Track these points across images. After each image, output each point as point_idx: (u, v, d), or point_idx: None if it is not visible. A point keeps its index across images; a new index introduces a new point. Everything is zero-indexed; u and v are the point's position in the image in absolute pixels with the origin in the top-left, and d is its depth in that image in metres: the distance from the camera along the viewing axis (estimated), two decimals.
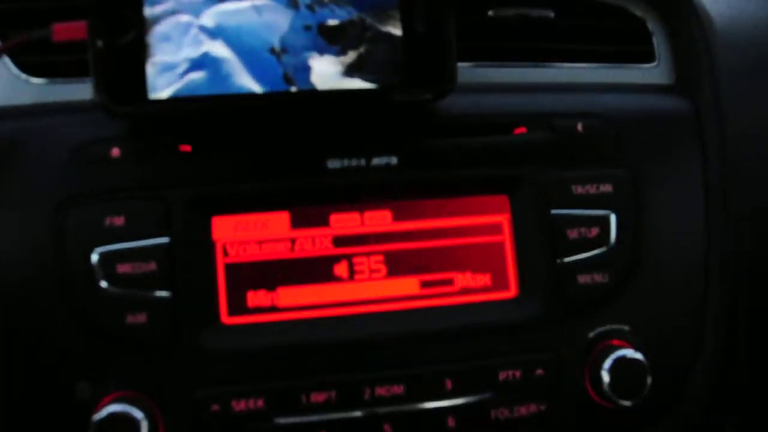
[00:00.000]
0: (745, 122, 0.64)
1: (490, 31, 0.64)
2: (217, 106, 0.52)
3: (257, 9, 0.52)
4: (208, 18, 0.51)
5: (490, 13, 0.64)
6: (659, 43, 0.68)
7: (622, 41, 0.67)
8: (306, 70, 0.52)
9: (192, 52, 0.51)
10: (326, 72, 0.52)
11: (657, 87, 0.66)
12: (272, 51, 0.52)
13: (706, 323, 0.61)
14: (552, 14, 0.65)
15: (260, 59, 0.52)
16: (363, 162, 0.56)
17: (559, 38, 0.66)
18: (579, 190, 0.58)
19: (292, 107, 0.54)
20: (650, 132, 0.62)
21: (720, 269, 0.61)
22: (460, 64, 0.56)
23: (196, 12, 0.51)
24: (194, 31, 0.51)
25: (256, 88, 0.52)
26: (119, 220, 0.53)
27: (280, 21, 0.52)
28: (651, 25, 0.68)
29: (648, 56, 0.68)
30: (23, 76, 0.57)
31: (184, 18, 0.51)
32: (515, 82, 0.63)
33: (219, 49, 0.51)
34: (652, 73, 0.68)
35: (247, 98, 0.52)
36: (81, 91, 0.56)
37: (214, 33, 0.51)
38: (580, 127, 0.59)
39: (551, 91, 0.62)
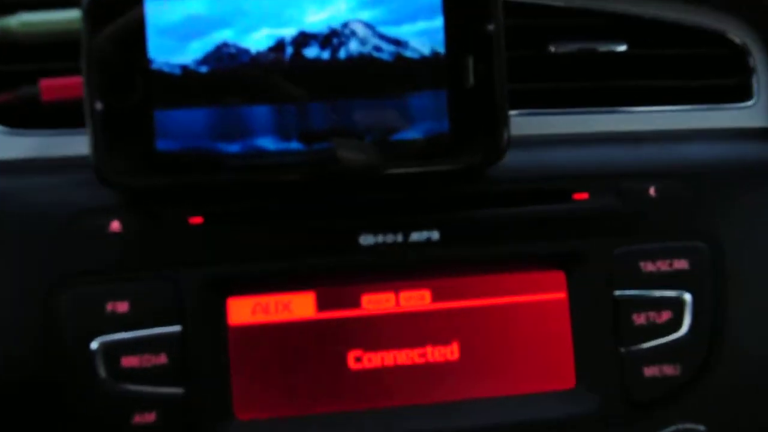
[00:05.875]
0: None
1: (547, 70, 0.55)
2: (246, 179, 0.45)
3: None
4: None
5: (551, 48, 0.55)
6: (761, 76, 0.57)
7: (710, 74, 0.57)
8: None
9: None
10: None
11: (752, 132, 0.56)
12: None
13: None
14: (624, 47, 0.55)
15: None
16: (400, 238, 0.49)
17: (631, 75, 0.56)
18: (649, 267, 0.50)
19: (325, 182, 0.47)
20: (740, 192, 0.53)
21: None
22: (511, 112, 0.48)
23: None
24: None
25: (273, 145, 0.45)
26: (123, 306, 0.46)
27: None
28: (753, 55, 0.57)
29: (743, 93, 0.57)
30: (7, 129, 0.50)
31: None
32: (576, 133, 0.54)
33: None
34: (748, 114, 0.57)
35: (279, 170, 0.45)
36: (77, 143, 0.48)
37: None
38: (652, 191, 0.51)
39: (620, 142, 0.53)
